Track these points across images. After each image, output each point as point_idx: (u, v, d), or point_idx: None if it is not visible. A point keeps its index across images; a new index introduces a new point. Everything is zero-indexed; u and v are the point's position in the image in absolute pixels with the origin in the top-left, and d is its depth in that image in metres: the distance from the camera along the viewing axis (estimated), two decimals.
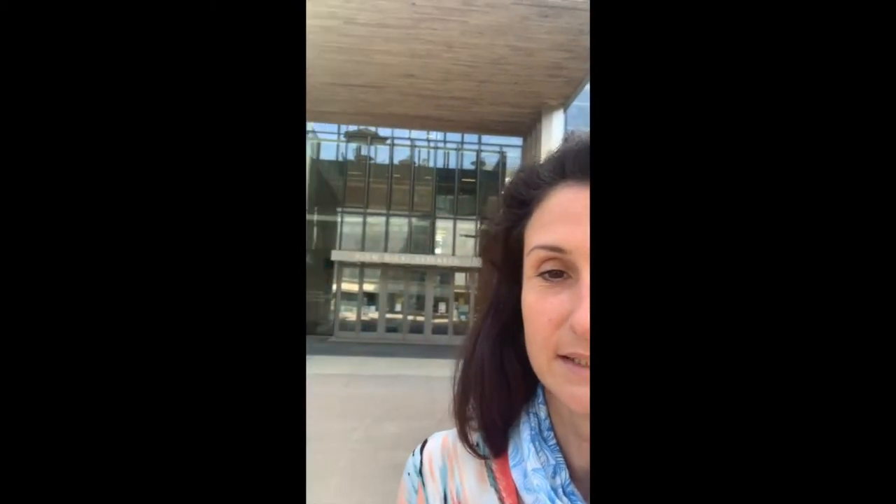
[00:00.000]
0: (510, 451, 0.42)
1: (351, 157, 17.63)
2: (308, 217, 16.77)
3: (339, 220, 17.04)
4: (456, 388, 0.45)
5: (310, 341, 13.45)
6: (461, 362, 0.45)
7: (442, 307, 15.95)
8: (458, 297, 15.90)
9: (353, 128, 16.58)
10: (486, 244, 0.45)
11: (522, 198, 0.41)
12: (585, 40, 8.45)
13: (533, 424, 0.42)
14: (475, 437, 0.44)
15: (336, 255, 15.31)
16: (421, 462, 0.47)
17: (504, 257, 0.43)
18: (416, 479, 0.47)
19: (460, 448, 0.45)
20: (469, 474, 0.44)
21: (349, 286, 15.64)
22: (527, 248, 0.40)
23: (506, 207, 0.43)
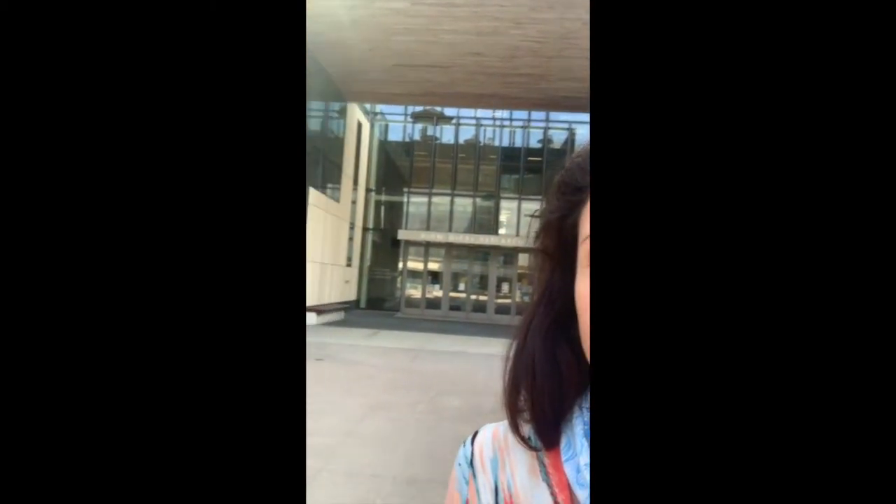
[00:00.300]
0: (563, 444, 0.41)
1: (417, 137, 17.83)
2: (376, 197, 17.28)
3: (405, 199, 17.41)
4: (506, 378, 0.44)
5: (377, 316, 14.02)
6: (512, 352, 0.45)
7: (505, 287, 15.96)
8: (521, 277, 15.82)
9: (419, 109, 16.73)
10: (540, 232, 0.45)
11: (578, 184, 0.40)
12: None
13: (586, 418, 0.40)
14: (527, 429, 0.43)
15: (402, 235, 15.70)
16: (472, 453, 0.47)
17: (558, 246, 0.42)
18: (467, 470, 0.46)
19: (511, 440, 0.44)
20: (520, 467, 0.44)
21: (414, 265, 16.04)
22: (581, 237, 0.39)
23: (560, 194, 0.42)
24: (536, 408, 0.42)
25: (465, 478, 0.46)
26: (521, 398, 0.43)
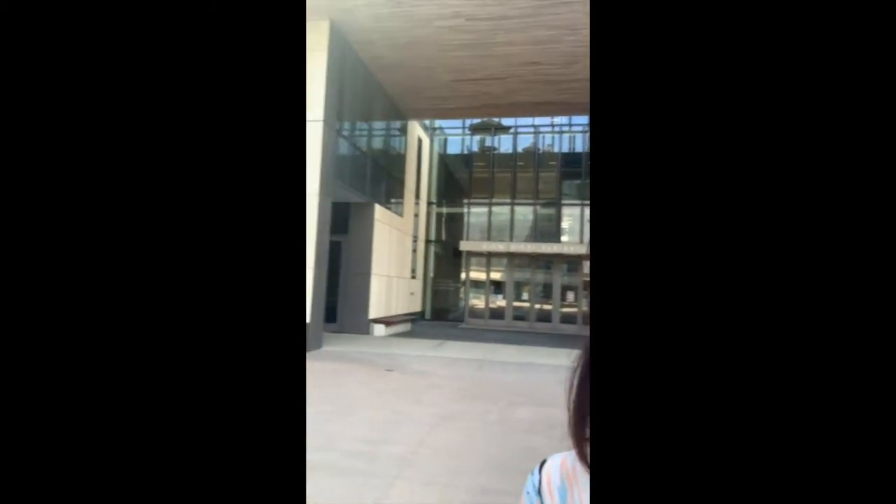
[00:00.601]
0: None
1: (475, 148, 18.00)
2: (437, 209, 17.59)
3: (465, 210, 17.58)
4: (571, 407, 0.44)
5: (442, 327, 14.20)
6: (576, 381, 0.44)
7: (570, 296, 15.61)
8: (586, 285, 15.42)
9: (476, 121, 16.91)
10: None
11: None
12: None
13: None
14: None
15: (464, 246, 15.86)
16: (540, 481, 0.47)
17: None
18: (535, 499, 0.46)
19: (579, 468, 0.44)
20: (588, 495, 0.43)
21: (477, 275, 16.12)
22: None
23: None
24: None
25: None
26: (587, 428, 0.42)
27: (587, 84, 11.22)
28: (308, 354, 7.84)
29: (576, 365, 0.45)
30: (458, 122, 17.36)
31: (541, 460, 0.48)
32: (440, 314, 16.86)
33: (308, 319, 8.16)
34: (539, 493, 0.47)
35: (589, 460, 0.42)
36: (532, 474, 0.48)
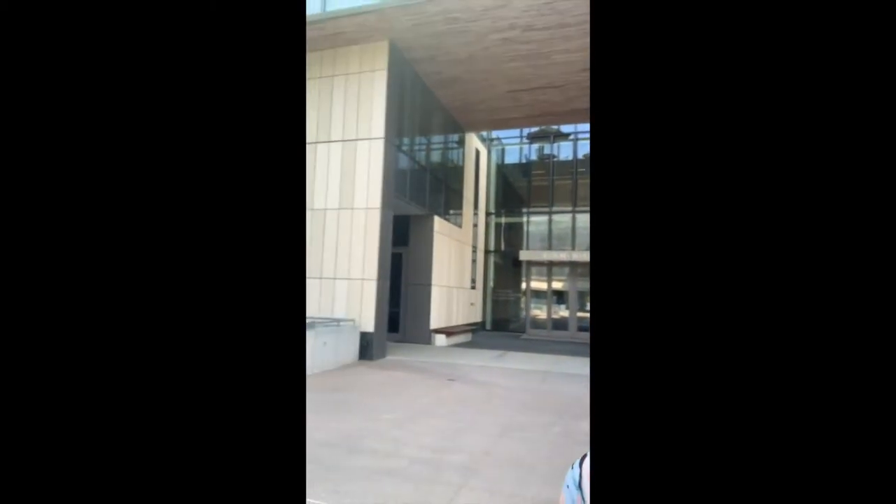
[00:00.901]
0: None
1: (533, 157, 17.88)
2: (496, 220, 17.60)
3: (524, 220, 17.46)
4: None
5: (503, 337, 14.12)
6: None
7: None
8: None
9: (534, 129, 16.82)
10: None
11: None
12: None
13: None
14: None
15: (523, 255, 15.72)
16: (580, 475, 0.47)
17: None
18: (576, 493, 0.46)
19: None
20: None
21: (538, 284, 15.90)
22: None
23: None
24: None
25: (573, 500, 0.47)
26: None
27: None
28: (373, 363, 8.09)
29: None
30: (515, 132, 17.35)
31: (581, 455, 0.49)
32: (501, 325, 16.77)
33: (372, 329, 8.43)
34: (579, 486, 0.47)
35: None
36: (572, 468, 0.49)
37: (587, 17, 8.41)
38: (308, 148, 9.38)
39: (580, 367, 8.76)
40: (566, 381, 7.35)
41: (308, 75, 9.52)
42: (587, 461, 0.48)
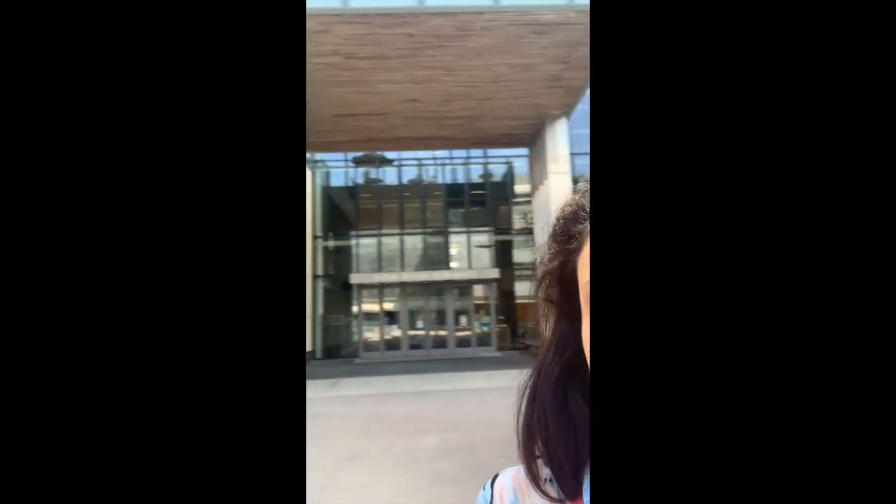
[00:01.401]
0: (585, 496, 0.39)
1: (360, 181, 18.07)
2: (324, 243, 17.17)
3: (353, 242, 17.43)
4: (519, 428, 0.43)
5: (335, 364, 13.70)
6: (524, 403, 0.44)
7: (463, 320, 16.12)
8: (478, 308, 16.07)
9: (359, 154, 17.04)
10: (541, 282, 0.44)
11: (570, 232, 0.41)
12: (581, 51, 8.72)
13: None
14: (546, 472, 0.42)
15: (354, 279, 15.63)
16: (492, 496, 0.46)
17: (561, 293, 0.42)
18: None
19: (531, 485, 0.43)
20: None
21: (370, 306, 15.94)
22: (580, 283, 0.39)
23: (555, 243, 0.43)
24: (554, 461, 0.41)
25: None
26: (537, 448, 0.42)
27: (464, 121, 11.98)
28: None
29: (525, 384, 0.44)
30: (340, 156, 17.32)
31: (492, 476, 0.48)
32: (333, 351, 16.26)
33: None
34: None
35: (537, 479, 0.42)
36: (483, 489, 0.47)
37: (407, 52, 8.94)
38: None
39: (415, 385, 9.01)
40: (402, 401, 7.47)
41: None
42: (499, 481, 0.46)
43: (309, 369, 12.40)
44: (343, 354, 16.04)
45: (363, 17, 8.22)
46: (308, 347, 14.92)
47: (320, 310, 16.44)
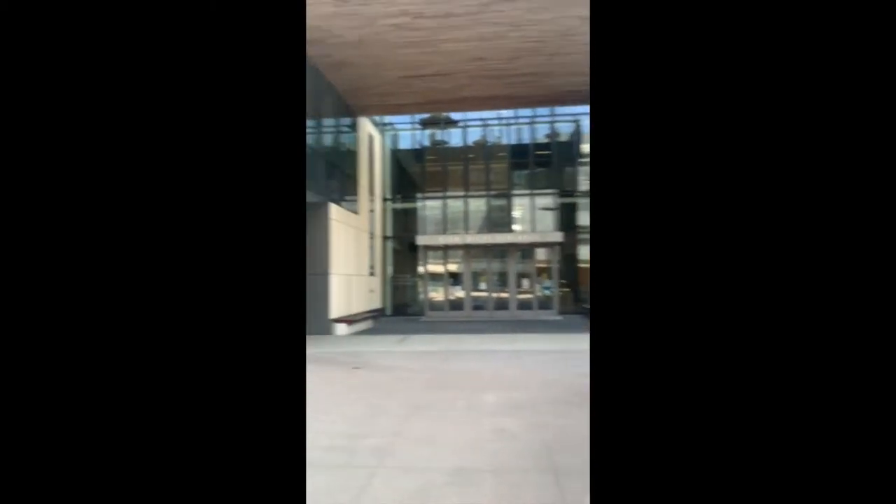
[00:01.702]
0: None
1: (426, 143, 18.17)
2: (392, 205, 17.64)
3: (420, 204, 17.76)
4: None
5: (403, 322, 14.35)
6: None
7: (525, 283, 16.15)
8: (540, 271, 16.01)
9: (426, 116, 17.06)
10: None
11: None
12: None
13: None
14: None
15: (420, 240, 16.04)
16: None
17: None
18: None
19: None
20: None
21: (435, 268, 16.36)
22: None
23: None
24: None
25: None
26: None
27: (531, 78, 11.60)
28: None
29: None
30: (407, 118, 17.45)
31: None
32: (401, 309, 17.00)
33: None
34: None
35: None
36: None
37: (474, 9, 8.72)
38: None
39: (477, 344, 9.29)
40: (466, 358, 7.78)
41: None
42: None
43: (379, 325, 13.10)
44: (409, 313, 16.72)
45: None
46: (378, 305, 15.68)
47: (389, 270, 17.12)
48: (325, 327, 11.04)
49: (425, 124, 17.66)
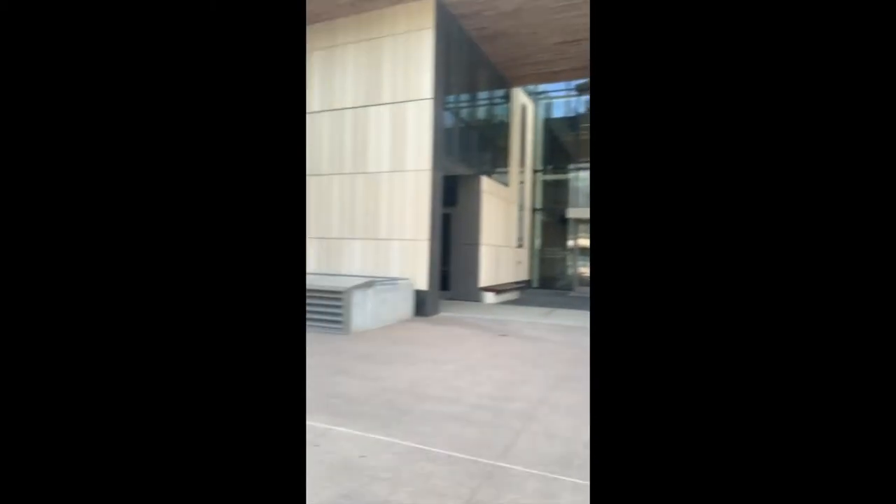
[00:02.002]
0: None
1: (581, 110, 17.34)
2: (543, 177, 17.38)
3: (571, 176, 17.17)
4: None
5: (550, 295, 14.27)
6: None
7: None
8: None
9: (581, 81, 16.21)
10: None
11: None
12: None
13: None
14: None
15: (571, 213, 15.59)
16: None
17: None
18: None
19: None
20: None
21: (585, 242, 15.82)
22: None
23: None
24: None
25: None
26: None
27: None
28: (427, 319, 8.52)
29: None
30: (562, 85, 16.80)
31: None
32: (548, 282, 16.90)
33: (426, 287, 8.81)
34: None
35: None
36: None
37: None
38: (359, 111, 9.56)
39: None
40: None
41: (355, 38, 9.57)
42: None
43: (525, 296, 13.27)
44: (557, 286, 16.54)
45: None
46: (525, 277, 15.83)
47: (538, 242, 17.06)
48: (475, 295, 11.58)
49: (581, 90, 16.81)
